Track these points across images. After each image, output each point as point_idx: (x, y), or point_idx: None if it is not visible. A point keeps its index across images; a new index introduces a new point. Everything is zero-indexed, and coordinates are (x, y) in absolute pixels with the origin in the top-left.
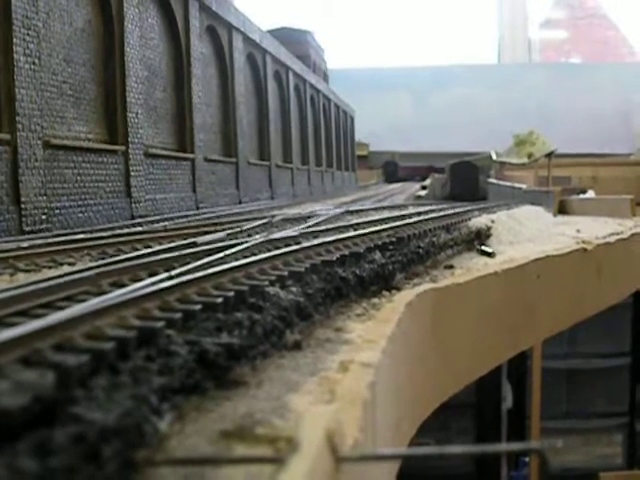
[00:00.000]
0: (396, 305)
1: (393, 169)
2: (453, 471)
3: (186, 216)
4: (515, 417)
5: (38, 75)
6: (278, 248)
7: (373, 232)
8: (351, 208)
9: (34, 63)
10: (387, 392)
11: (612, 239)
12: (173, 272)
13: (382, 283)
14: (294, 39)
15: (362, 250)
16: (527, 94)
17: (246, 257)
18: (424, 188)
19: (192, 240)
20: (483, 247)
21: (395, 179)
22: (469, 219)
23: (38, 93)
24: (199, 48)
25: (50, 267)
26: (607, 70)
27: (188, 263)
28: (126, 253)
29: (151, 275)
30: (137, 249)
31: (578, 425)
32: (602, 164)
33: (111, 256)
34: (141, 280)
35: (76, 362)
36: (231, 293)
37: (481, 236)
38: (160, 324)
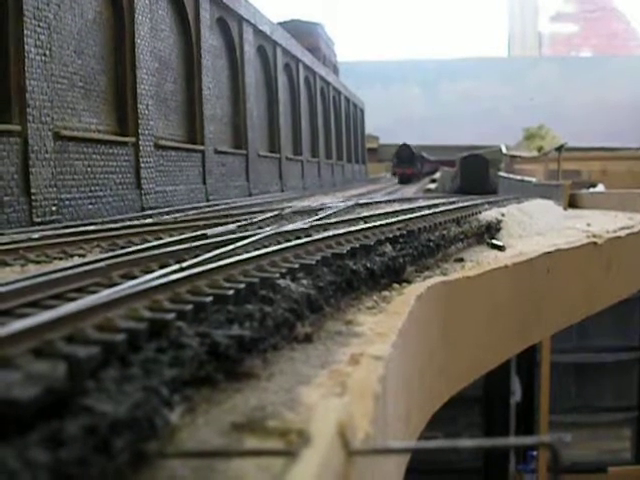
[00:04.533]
0: (407, 298)
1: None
2: (461, 465)
3: (196, 208)
4: (524, 411)
5: (49, 66)
6: (289, 240)
7: (383, 225)
8: (361, 201)
9: (45, 54)
10: (397, 385)
11: (622, 233)
12: (184, 264)
13: (393, 276)
14: (304, 31)
15: (373, 243)
16: (537, 88)
17: (257, 249)
18: (434, 181)
19: (203, 232)
20: (493, 240)
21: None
22: (479, 212)
23: (49, 84)
24: (209, 40)
25: (61, 258)
26: (617, 63)
27: (199, 255)
28: (136, 245)
29: (162, 267)
30: (148, 241)
31: (587, 419)
32: (612, 158)
33: (121, 248)
34: (152, 272)
35: (87, 354)
36: (242, 285)
37: (491, 229)
38: (171, 316)
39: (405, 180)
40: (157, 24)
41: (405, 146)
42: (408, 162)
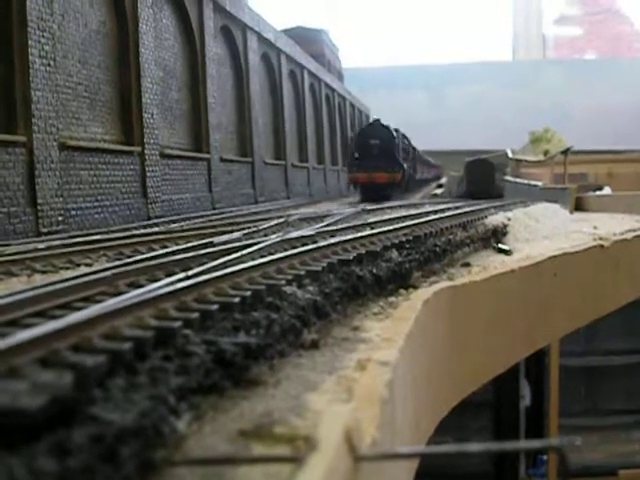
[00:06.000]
0: (413, 303)
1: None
2: (471, 469)
3: (203, 216)
4: (533, 415)
5: (53, 77)
6: (295, 247)
7: (390, 231)
8: (367, 207)
9: (49, 65)
10: (405, 390)
11: (629, 236)
12: (190, 272)
13: (399, 281)
14: (309, 38)
15: (379, 249)
16: (542, 91)
17: (263, 257)
18: (440, 186)
19: (209, 240)
20: (500, 245)
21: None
22: (485, 217)
23: (54, 95)
24: (214, 48)
25: (67, 268)
26: (622, 66)
27: (205, 263)
28: (143, 253)
29: (168, 275)
30: (154, 249)
31: (596, 422)
32: (618, 160)
33: (128, 257)
34: (158, 280)
35: (94, 363)
36: (248, 293)
37: (498, 234)
38: (177, 324)
39: (371, 195)
40: (161, 33)
41: (378, 125)
42: (378, 158)
